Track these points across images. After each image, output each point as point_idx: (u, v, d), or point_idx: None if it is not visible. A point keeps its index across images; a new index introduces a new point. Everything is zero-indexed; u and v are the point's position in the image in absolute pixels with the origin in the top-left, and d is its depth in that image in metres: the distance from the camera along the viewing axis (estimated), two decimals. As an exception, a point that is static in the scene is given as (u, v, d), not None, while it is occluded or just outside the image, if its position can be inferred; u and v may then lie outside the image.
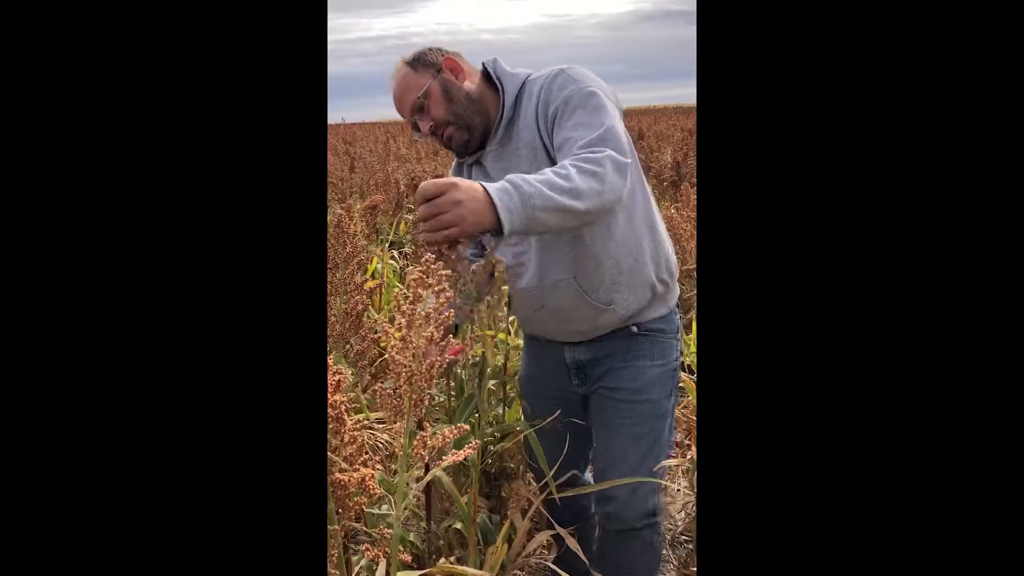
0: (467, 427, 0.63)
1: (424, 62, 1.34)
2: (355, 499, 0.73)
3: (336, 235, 1.57)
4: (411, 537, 1.48)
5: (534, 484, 1.58)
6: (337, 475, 0.69)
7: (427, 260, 0.66)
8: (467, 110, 1.33)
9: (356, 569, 0.86)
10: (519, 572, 1.74)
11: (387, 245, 3.16)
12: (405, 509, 0.66)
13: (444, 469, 1.47)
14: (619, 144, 1.14)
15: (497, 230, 0.96)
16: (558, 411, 1.39)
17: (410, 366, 0.62)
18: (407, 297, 0.64)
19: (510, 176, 1.04)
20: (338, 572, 0.82)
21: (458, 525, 1.49)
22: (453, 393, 1.78)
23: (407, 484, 0.68)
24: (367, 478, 0.68)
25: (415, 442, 0.64)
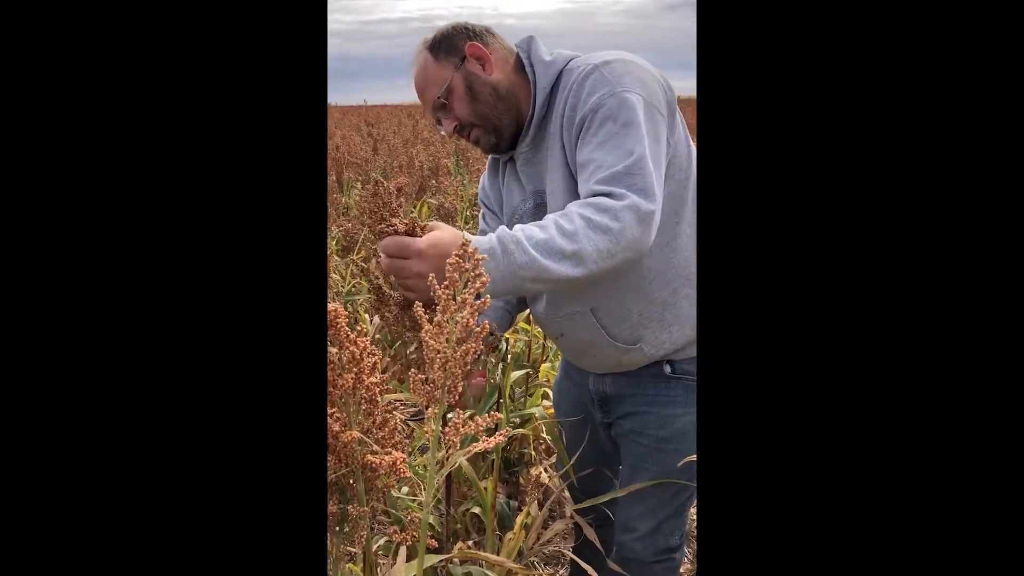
0: (500, 415, 0.62)
1: (446, 48, 1.17)
2: (384, 481, 0.74)
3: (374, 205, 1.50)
4: (430, 520, 1.50)
5: (554, 473, 1.58)
6: (369, 457, 0.70)
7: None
8: (494, 109, 1.16)
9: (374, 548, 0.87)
10: (535, 559, 1.75)
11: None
12: (435, 495, 0.66)
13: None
14: (646, 182, 0.95)
15: None
16: (584, 430, 1.33)
17: (444, 352, 0.62)
18: (441, 283, 0.63)
19: (505, 233, 0.90)
20: (365, 552, 0.83)
21: (476, 509, 1.51)
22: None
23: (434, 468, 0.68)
24: (399, 461, 0.68)
25: (447, 428, 0.64)
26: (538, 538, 1.49)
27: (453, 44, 1.17)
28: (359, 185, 4.48)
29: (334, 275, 2.83)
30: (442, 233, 0.92)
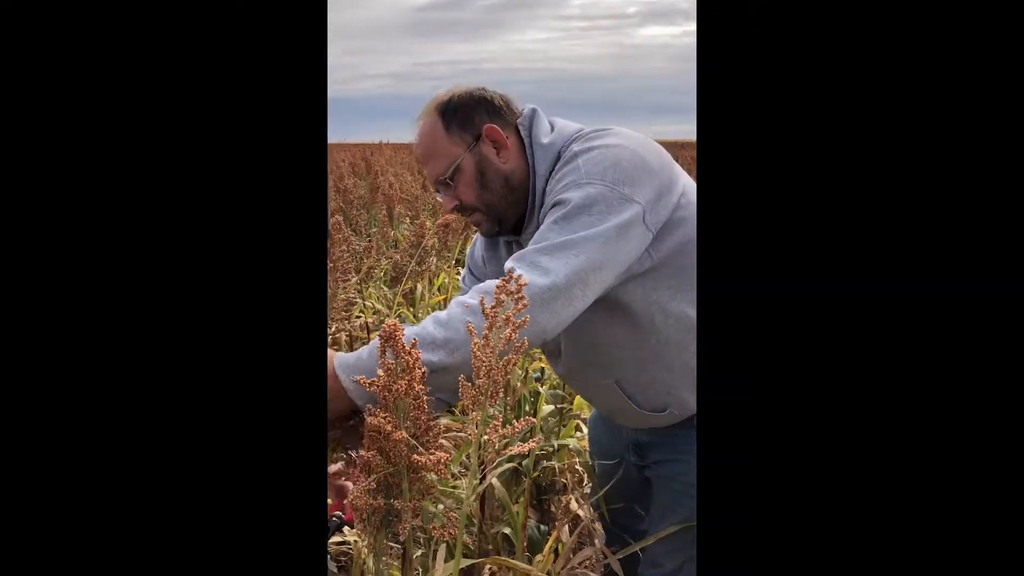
0: (534, 420, 0.70)
1: (460, 121, 1.07)
2: (428, 481, 0.82)
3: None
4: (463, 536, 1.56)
5: (585, 503, 1.63)
6: (415, 457, 0.78)
7: None
8: (502, 200, 1.08)
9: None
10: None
11: (453, 262, 3.29)
12: (475, 490, 0.74)
13: (498, 477, 1.55)
14: (554, 264, 0.89)
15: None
16: (617, 468, 1.34)
17: (489, 361, 0.71)
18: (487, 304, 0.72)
19: (365, 354, 0.87)
20: (405, 546, 0.91)
21: (507, 530, 1.56)
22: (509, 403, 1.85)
23: (470, 483, 0.76)
24: (443, 460, 0.76)
25: (487, 429, 0.72)
26: (566, 563, 1.53)
27: (469, 118, 1.07)
28: (407, 220, 4.65)
29: (379, 305, 2.96)
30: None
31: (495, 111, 1.09)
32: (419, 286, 3.03)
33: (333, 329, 2.19)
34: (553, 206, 0.98)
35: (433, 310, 2.71)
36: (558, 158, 1.04)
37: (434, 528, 0.83)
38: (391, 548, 0.94)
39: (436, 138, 1.07)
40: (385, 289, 3.20)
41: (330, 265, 2.32)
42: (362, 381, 0.76)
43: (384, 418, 0.77)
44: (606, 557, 1.40)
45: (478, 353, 0.71)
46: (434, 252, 3.02)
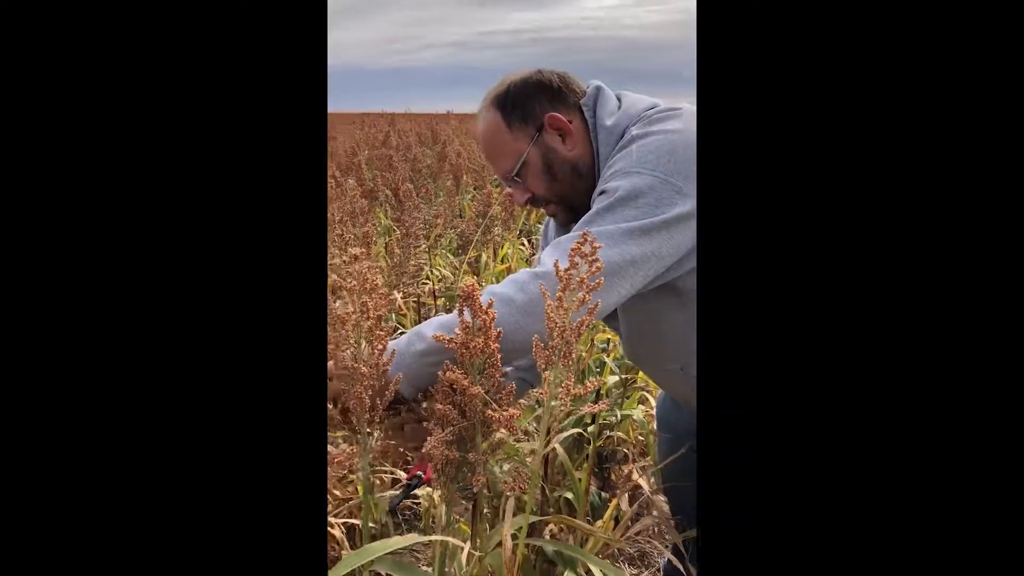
0: (603, 379, 0.72)
1: (521, 115, 1.03)
2: (500, 436, 0.85)
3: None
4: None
5: (646, 474, 1.64)
6: (489, 412, 0.81)
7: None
8: (572, 189, 1.05)
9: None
10: (622, 549, 1.82)
11: (518, 232, 3.32)
12: (546, 444, 0.77)
13: (561, 443, 1.59)
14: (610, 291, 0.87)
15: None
16: (680, 445, 1.33)
17: (562, 323, 0.73)
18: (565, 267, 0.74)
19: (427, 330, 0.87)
20: (477, 498, 0.95)
21: (568, 495, 1.60)
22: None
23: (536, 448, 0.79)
24: (514, 416, 0.79)
25: (559, 389, 0.75)
26: (626, 531, 1.56)
27: (529, 109, 1.03)
28: (472, 190, 4.69)
29: (446, 272, 3.02)
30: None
31: (555, 95, 1.04)
32: (484, 255, 3.08)
33: (402, 295, 2.25)
34: (600, 193, 0.94)
35: (497, 279, 2.75)
36: (620, 138, 1.00)
37: (505, 483, 0.87)
38: (461, 503, 0.99)
39: (499, 135, 1.04)
40: (451, 257, 3.26)
41: (402, 231, 2.39)
42: (439, 338, 0.79)
43: (461, 374, 0.81)
44: (666, 529, 1.42)
45: (552, 315, 0.73)
46: (499, 222, 3.05)
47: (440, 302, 2.60)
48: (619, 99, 1.06)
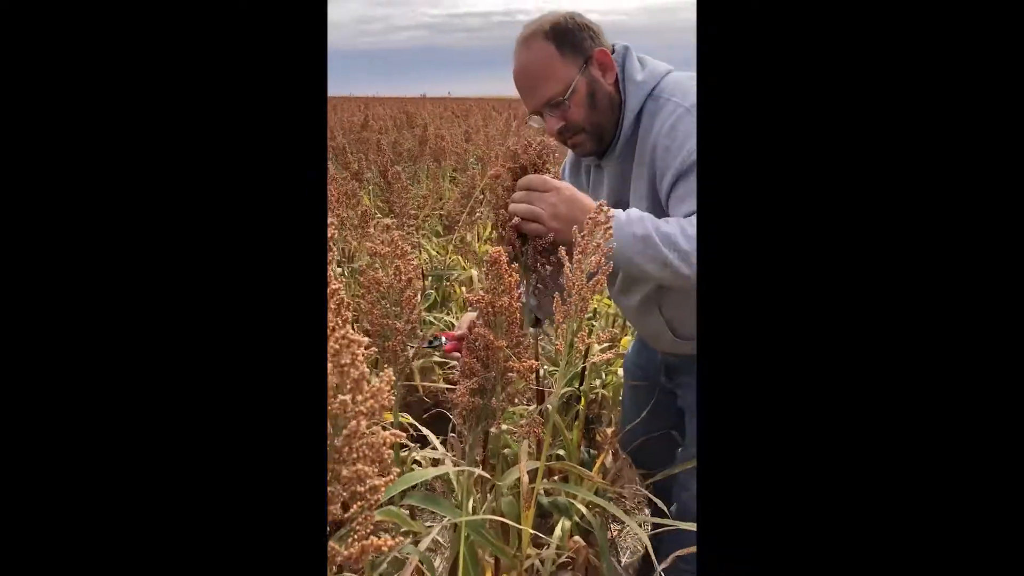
0: (617, 330, 0.85)
1: (572, 45, 1.12)
2: (518, 386, 0.98)
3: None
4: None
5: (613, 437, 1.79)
6: (511, 363, 0.94)
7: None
8: (607, 119, 1.17)
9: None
10: (611, 496, 1.98)
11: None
12: (560, 397, 0.89)
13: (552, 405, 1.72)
14: None
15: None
16: (651, 396, 1.46)
17: (579, 282, 0.85)
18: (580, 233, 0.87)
19: (633, 211, 0.99)
20: (492, 443, 1.07)
21: (560, 452, 1.74)
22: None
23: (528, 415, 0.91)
24: (533, 366, 0.92)
25: (575, 339, 0.87)
26: (613, 482, 1.71)
27: (579, 43, 1.13)
28: (453, 172, 4.78)
29: (434, 251, 3.12)
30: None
31: (595, 36, 1.16)
32: (468, 236, 3.18)
33: (392, 270, 2.35)
34: (681, 167, 1.05)
35: (480, 260, 2.86)
36: (646, 99, 1.13)
37: (521, 426, 0.99)
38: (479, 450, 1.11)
39: (550, 62, 1.11)
40: (435, 239, 3.36)
41: (393, 214, 2.49)
42: (472, 299, 0.91)
43: (486, 329, 0.93)
44: (646, 480, 1.58)
45: (570, 275, 0.86)
46: (484, 203, 3.16)
47: (427, 282, 2.70)
48: (640, 61, 1.20)
